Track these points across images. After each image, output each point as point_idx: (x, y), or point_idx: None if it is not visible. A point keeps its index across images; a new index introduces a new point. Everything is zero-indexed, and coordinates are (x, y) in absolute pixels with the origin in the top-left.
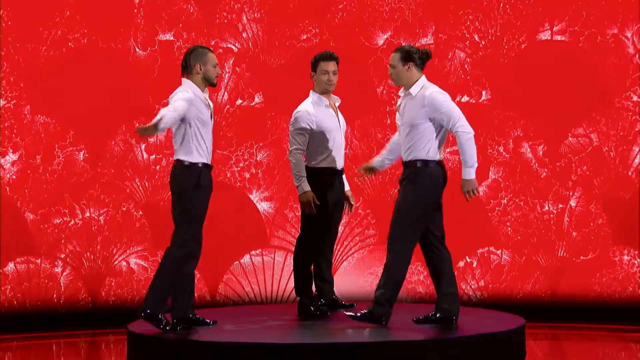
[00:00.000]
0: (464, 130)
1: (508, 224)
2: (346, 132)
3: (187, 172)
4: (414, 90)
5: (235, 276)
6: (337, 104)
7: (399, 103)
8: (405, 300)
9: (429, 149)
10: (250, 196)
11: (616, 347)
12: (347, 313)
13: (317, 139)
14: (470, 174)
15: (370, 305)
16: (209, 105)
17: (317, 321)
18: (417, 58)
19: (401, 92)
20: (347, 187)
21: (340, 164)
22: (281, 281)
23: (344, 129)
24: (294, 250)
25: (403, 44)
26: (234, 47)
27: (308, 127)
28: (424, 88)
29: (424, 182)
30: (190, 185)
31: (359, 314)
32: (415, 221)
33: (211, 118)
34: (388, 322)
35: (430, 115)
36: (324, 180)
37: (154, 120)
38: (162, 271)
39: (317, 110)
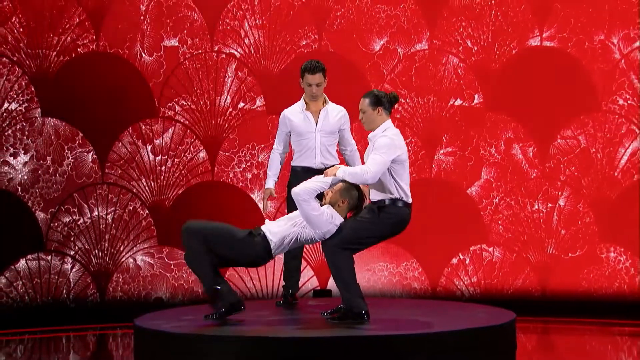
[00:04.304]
0: (369, 167)
1: (499, 222)
2: None
3: None
4: (375, 133)
5: (238, 272)
6: (327, 108)
7: None
8: (400, 295)
9: (394, 189)
10: (252, 196)
11: (603, 340)
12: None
13: (294, 141)
14: (339, 173)
15: (343, 308)
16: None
17: (318, 316)
18: (385, 102)
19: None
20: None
21: (315, 163)
22: (282, 277)
23: (327, 130)
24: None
25: (372, 90)
26: (236, 53)
27: (286, 128)
28: (384, 133)
29: (389, 218)
30: None
31: (337, 317)
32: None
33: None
34: (369, 316)
35: None
36: (300, 177)
37: None
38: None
39: (294, 114)
